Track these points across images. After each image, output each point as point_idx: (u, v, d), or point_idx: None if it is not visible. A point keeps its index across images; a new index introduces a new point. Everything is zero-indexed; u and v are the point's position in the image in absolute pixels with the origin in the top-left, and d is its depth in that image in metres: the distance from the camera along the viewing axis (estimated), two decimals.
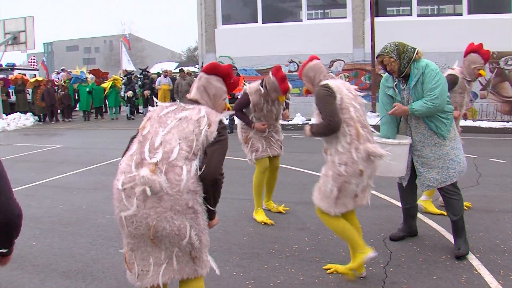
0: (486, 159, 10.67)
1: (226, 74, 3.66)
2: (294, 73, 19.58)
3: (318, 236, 5.95)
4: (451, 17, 19.53)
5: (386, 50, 5.26)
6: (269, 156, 6.81)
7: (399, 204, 6.30)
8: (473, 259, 5.18)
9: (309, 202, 7.24)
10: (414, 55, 5.14)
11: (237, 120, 7.05)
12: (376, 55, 5.47)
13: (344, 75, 19.48)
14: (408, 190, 5.71)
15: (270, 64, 19.91)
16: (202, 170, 3.19)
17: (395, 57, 5.19)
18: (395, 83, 5.46)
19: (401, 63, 5.19)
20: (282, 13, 21.59)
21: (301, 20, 20.54)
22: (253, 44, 20.19)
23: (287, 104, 7.05)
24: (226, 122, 3.91)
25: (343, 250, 5.46)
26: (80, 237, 6.19)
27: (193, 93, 3.61)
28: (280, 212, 7.00)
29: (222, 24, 21.30)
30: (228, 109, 3.84)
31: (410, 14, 19.46)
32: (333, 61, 19.55)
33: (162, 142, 3.22)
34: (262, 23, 20.76)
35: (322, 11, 22.07)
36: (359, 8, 19.21)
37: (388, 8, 20.91)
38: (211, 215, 3.34)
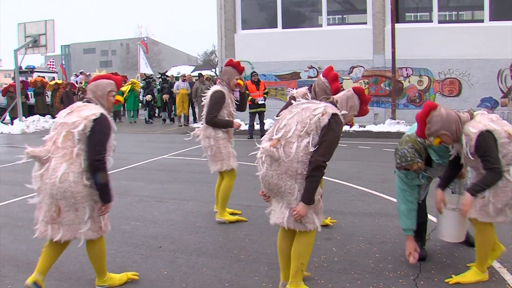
0: None
1: (364, 100, 4.65)
2: (314, 79, 19.53)
3: (346, 247, 5.89)
4: (472, 24, 19.41)
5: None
6: None
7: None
8: (504, 273, 5.09)
9: (334, 211, 7.25)
10: None
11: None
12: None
13: (364, 81, 19.41)
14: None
15: (290, 69, 19.95)
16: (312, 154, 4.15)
17: None
18: None
19: None
20: (302, 18, 21.58)
21: (320, 26, 20.48)
22: (272, 49, 20.17)
23: None
24: (342, 119, 4.31)
25: (372, 261, 5.41)
26: (105, 243, 6.17)
27: (338, 96, 4.59)
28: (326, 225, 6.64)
29: (242, 29, 21.31)
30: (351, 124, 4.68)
31: (430, 21, 19.35)
32: (352, 67, 19.49)
33: (285, 124, 4.30)
34: (282, 28, 20.73)
35: (341, 16, 22.04)
36: (380, 14, 19.14)
37: (406, 14, 20.82)
38: (303, 199, 4.17)
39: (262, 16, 21.98)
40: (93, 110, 4.53)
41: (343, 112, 4.37)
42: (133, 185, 9.53)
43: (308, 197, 4.13)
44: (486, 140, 4.42)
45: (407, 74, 19.11)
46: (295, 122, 4.25)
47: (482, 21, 18.93)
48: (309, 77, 19.89)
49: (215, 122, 6.73)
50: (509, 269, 5.17)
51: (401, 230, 5.85)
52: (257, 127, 17.23)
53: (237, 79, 6.95)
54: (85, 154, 4.39)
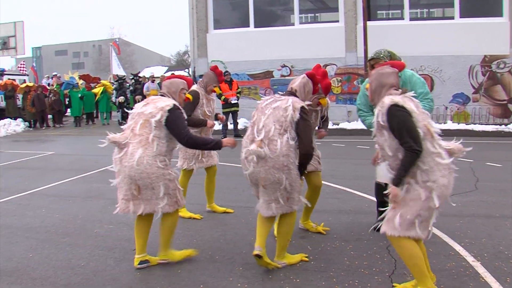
0: (482, 164, 10.67)
1: (315, 82, 5.40)
2: (286, 78, 19.57)
3: (320, 245, 5.88)
4: (443, 21, 19.63)
5: (381, 55, 5.84)
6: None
7: None
8: (478, 266, 5.13)
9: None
10: None
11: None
12: (368, 58, 5.82)
13: (336, 79, 19.47)
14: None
15: (262, 68, 19.92)
16: (298, 145, 4.89)
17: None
18: None
19: None
20: (274, 17, 21.58)
21: (293, 24, 20.47)
22: (245, 48, 20.11)
23: (324, 121, 6.66)
24: (307, 108, 4.97)
25: (347, 258, 5.41)
26: (78, 248, 6.08)
27: (296, 85, 5.27)
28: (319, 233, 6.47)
29: (214, 29, 21.20)
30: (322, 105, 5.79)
31: (402, 18, 19.48)
32: (325, 65, 19.50)
33: (263, 125, 4.90)
34: (254, 27, 20.68)
35: (313, 14, 22.08)
36: (352, 12, 19.21)
37: (378, 12, 20.94)
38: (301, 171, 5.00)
39: (234, 16, 21.93)
40: (167, 102, 5.23)
41: (307, 102, 5.12)
42: (106, 187, 9.36)
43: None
44: (399, 113, 4.16)
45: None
46: (272, 122, 4.86)
47: (452, 18, 19.11)
48: (282, 75, 19.89)
49: (188, 120, 6.70)
50: (482, 263, 5.21)
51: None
52: (231, 126, 17.16)
53: (214, 86, 7.30)
54: (159, 140, 5.11)
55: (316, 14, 22.62)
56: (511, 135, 16.37)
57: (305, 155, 4.90)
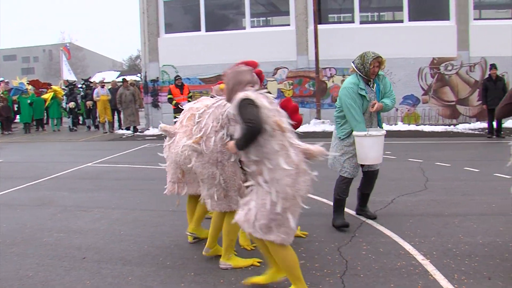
0: (431, 163, 10.87)
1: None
2: None
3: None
4: (392, 24, 20.02)
5: (380, 54, 6.36)
6: None
7: (352, 212, 7.01)
8: (427, 264, 5.22)
9: None
10: None
11: None
12: (376, 56, 6.28)
13: (288, 82, 19.57)
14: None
15: (214, 72, 19.89)
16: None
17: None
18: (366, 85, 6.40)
19: (383, 67, 6.42)
20: (226, 21, 21.58)
21: (244, 28, 20.52)
22: (196, 52, 20.06)
23: None
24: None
25: (299, 260, 5.42)
26: (26, 257, 5.93)
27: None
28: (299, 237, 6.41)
29: (165, 33, 21.09)
30: None
31: (352, 21, 19.72)
32: (277, 69, 19.63)
33: (205, 123, 5.07)
34: (206, 31, 20.65)
35: (265, 18, 22.16)
36: (302, 16, 19.37)
37: (329, 15, 21.17)
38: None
39: (186, 20, 21.86)
40: (211, 100, 5.52)
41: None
42: (57, 195, 9.25)
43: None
44: (246, 104, 4.31)
45: (330, 74, 19.42)
46: (211, 120, 5.03)
47: (402, 21, 19.47)
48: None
49: None
50: (432, 261, 5.30)
51: (327, 228, 5.92)
52: None
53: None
54: None
55: (268, 18, 22.71)
56: (459, 135, 16.74)
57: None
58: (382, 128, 6.68)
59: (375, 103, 6.35)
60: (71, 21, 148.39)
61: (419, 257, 5.41)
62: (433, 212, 7.16)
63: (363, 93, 6.30)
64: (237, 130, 4.44)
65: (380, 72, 6.46)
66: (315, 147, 4.45)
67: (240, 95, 4.38)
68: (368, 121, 6.50)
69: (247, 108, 4.25)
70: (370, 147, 6.22)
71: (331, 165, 6.69)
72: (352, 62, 6.49)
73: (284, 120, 4.42)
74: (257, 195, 4.35)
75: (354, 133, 6.30)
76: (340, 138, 6.54)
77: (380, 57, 6.34)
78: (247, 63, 4.90)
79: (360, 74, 6.33)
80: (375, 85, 6.47)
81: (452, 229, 6.35)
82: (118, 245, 6.22)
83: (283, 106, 5.19)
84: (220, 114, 4.97)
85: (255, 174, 4.36)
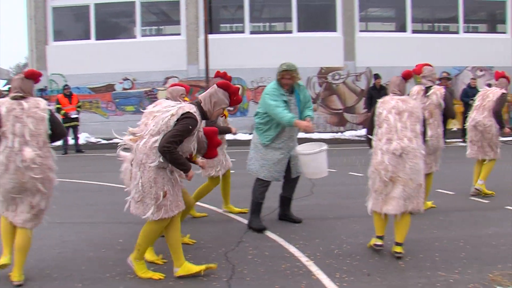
0: None
1: (233, 92, 5.16)
2: (128, 91, 19.40)
3: (158, 255, 5.84)
4: (282, 35, 20.48)
5: (294, 68, 6.62)
6: None
7: (239, 218, 7.33)
8: (311, 265, 5.44)
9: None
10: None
11: None
12: (286, 69, 6.59)
13: None
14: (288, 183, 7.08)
15: (104, 82, 19.53)
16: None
17: (296, 75, 6.63)
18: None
19: (297, 80, 6.70)
20: (117, 29, 21.28)
21: (135, 37, 20.28)
22: (86, 61, 19.49)
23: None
24: (194, 114, 4.89)
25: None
26: None
27: (201, 95, 5.18)
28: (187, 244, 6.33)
29: (54, 41, 20.40)
30: (225, 116, 5.89)
31: (243, 31, 19.98)
32: (167, 78, 19.50)
33: (146, 124, 5.14)
34: (96, 39, 20.20)
35: (157, 27, 22.03)
36: (193, 25, 19.40)
37: (221, 25, 21.41)
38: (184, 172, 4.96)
39: (76, 27, 21.32)
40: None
41: (192, 109, 4.91)
42: None
43: (182, 170, 4.95)
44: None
45: None
46: (153, 123, 4.97)
47: (291, 32, 19.95)
48: (124, 89, 19.62)
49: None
50: (315, 262, 5.53)
51: (215, 235, 6.00)
52: (72, 141, 16.48)
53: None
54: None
55: (161, 27, 22.60)
56: (346, 141, 17.43)
57: (160, 152, 4.73)
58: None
59: (308, 125, 6.59)
60: None
61: (304, 259, 5.62)
62: (318, 216, 7.44)
63: (284, 98, 6.59)
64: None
65: (300, 82, 6.81)
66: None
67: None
68: (288, 136, 6.75)
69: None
70: (308, 162, 6.48)
71: (251, 170, 6.85)
72: None
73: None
74: None
75: (297, 149, 6.69)
76: (264, 144, 6.71)
77: (290, 70, 6.57)
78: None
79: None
80: (294, 94, 6.74)
81: (335, 231, 6.61)
82: None
83: (227, 83, 5.29)
84: (161, 119, 4.89)
85: None
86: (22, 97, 5.08)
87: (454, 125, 18.82)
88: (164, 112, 4.96)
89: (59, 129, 5.27)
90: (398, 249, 5.68)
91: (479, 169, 8.71)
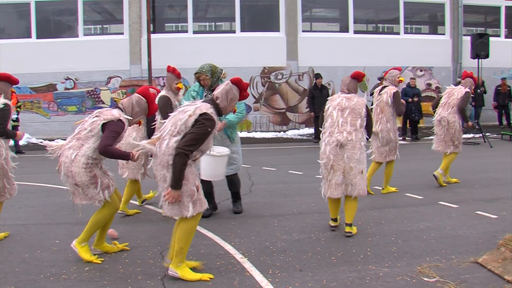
0: (258, 168, 11.36)
1: (243, 88, 5.40)
2: (70, 91, 19.16)
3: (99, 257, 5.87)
4: (225, 34, 20.52)
5: (204, 70, 7.07)
6: None
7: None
8: (245, 262, 5.59)
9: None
10: (221, 75, 7.19)
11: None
12: (199, 70, 7.14)
13: (121, 91, 19.41)
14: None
15: (45, 81, 19.23)
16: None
17: (209, 76, 7.05)
18: (205, 94, 7.22)
19: (213, 80, 7.09)
20: (59, 28, 20.85)
21: (77, 36, 20.01)
22: (27, 60, 19.09)
23: None
24: (211, 115, 5.05)
25: (121, 266, 5.51)
26: None
27: (217, 92, 5.27)
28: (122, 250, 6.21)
29: None
30: (234, 111, 5.57)
31: (186, 31, 19.98)
32: (110, 78, 19.34)
33: (165, 126, 5.16)
34: (37, 38, 19.85)
35: (101, 26, 21.79)
36: (136, 25, 19.28)
37: (166, 24, 21.32)
38: (171, 184, 4.90)
39: (17, 25, 20.85)
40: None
41: (210, 110, 5.07)
42: None
43: (174, 182, 4.88)
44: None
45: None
46: (171, 123, 5.08)
47: (234, 32, 20.06)
48: (66, 88, 19.32)
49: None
50: (249, 259, 5.69)
51: (151, 234, 6.06)
52: (11, 143, 16.20)
53: (176, 83, 7.71)
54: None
55: (105, 26, 22.31)
56: (289, 140, 17.66)
57: (175, 154, 4.85)
58: (232, 142, 7.40)
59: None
60: None
61: (238, 256, 5.76)
62: (254, 214, 7.57)
63: (194, 94, 7.22)
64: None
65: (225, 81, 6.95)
66: None
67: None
68: (216, 139, 6.91)
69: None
70: (207, 164, 6.43)
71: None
72: None
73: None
74: None
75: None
76: None
77: (200, 72, 7.11)
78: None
79: None
80: None
81: (271, 228, 6.75)
82: None
83: (239, 79, 5.47)
84: (179, 120, 5.01)
85: None
86: None
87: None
88: (181, 112, 5.10)
89: None
90: (348, 229, 6.53)
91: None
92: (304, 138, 18.33)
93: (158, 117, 7.41)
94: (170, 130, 5.03)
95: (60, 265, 5.62)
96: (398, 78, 8.76)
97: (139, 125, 7.39)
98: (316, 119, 16.55)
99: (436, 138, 9.62)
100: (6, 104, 6.67)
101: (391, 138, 8.69)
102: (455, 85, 9.88)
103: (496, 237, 6.21)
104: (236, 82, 5.35)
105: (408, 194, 8.77)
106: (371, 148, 8.78)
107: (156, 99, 7.50)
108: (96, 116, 5.51)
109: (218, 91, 5.29)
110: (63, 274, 5.34)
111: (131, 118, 5.64)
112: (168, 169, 4.92)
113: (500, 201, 8.18)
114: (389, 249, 5.98)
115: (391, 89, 8.59)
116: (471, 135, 16.44)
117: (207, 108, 5.05)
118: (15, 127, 15.82)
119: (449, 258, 5.61)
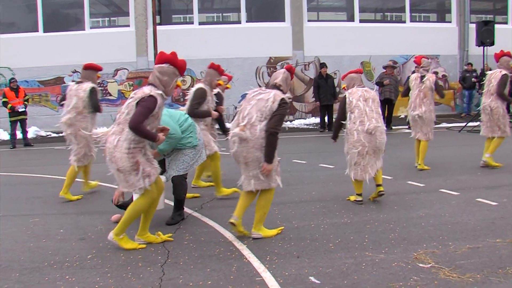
0: None
1: (292, 73, 6.32)
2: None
3: (99, 244, 5.99)
4: (231, 25, 20.52)
5: None
6: None
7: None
8: (243, 249, 5.69)
9: (92, 212, 7.32)
10: None
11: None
12: None
13: (128, 83, 19.52)
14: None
15: (53, 75, 19.36)
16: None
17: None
18: None
19: None
20: (65, 21, 20.95)
21: (84, 29, 20.10)
22: (34, 54, 19.25)
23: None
24: (287, 99, 5.92)
25: (123, 254, 5.60)
26: None
27: (279, 80, 6.07)
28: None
29: (1, 33, 20.06)
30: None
31: (192, 22, 20.03)
32: (117, 70, 19.46)
33: (248, 113, 5.87)
34: (44, 32, 19.96)
35: (108, 19, 21.86)
36: (142, 17, 19.36)
37: (173, 16, 21.37)
38: (266, 160, 5.80)
39: (24, 19, 20.94)
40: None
41: (287, 95, 5.97)
42: None
43: (268, 158, 5.78)
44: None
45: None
46: (255, 111, 5.82)
47: (239, 22, 20.11)
48: (74, 81, 19.38)
49: (195, 113, 7.89)
50: (248, 246, 5.79)
51: (152, 223, 6.16)
52: (20, 135, 16.33)
53: (218, 80, 8.27)
54: None
55: (112, 18, 22.35)
56: (295, 130, 17.70)
57: (268, 134, 5.74)
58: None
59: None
60: None
61: (237, 243, 5.87)
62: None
63: None
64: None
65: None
66: None
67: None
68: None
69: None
70: None
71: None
72: None
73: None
74: None
75: None
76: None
77: None
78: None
79: None
80: None
81: (271, 216, 6.82)
82: None
83: (291, 66, 6.48)
84: (264, 107, 5.80)
85: None
86: None
87: (402, 112, 19.28)
88: (262, 100, 5.87)
89: None
90: (380, 188, 7.49)
91: (489, 145, 10.00)
92: (311, 127, 18.39)
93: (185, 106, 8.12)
94: (257, 116, 5.80)
95: (64, 253, 5.74)
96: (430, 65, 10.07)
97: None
98: (322, 108, 16.61)
99: (482, 125, 10.11)
100: (93, 88, 8.29)
101: (432, 117, 9.87)
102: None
103: (494, 224, 6.29)
104: (290, 69, 6.27)
105: (410, 182, 8.82)
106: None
107: (194, 88, 8.15)
108: (131, 97, 5.60)
109: (279, 78, 6.11)
110: (66, 262, 5.46)
111: (163, 89, 5.60)
112: (261, 151, 5.77)
113: (502, 188, 8.21)
114: (387, 236, 6.05)
115: (431, 76, 9.81)
116: (477, 123, 16.41)
117: (281, 94, 5.90)
118: (22, 121, 16.04)
119: (446, 244, 5.66)
